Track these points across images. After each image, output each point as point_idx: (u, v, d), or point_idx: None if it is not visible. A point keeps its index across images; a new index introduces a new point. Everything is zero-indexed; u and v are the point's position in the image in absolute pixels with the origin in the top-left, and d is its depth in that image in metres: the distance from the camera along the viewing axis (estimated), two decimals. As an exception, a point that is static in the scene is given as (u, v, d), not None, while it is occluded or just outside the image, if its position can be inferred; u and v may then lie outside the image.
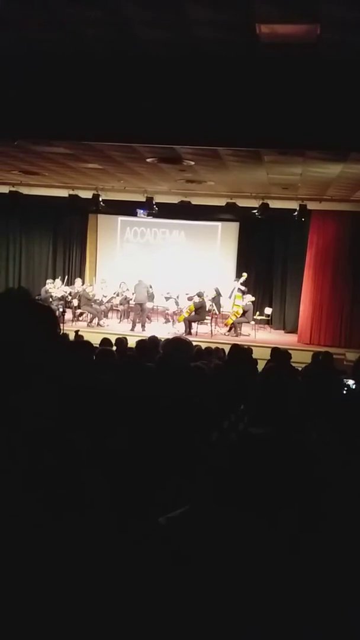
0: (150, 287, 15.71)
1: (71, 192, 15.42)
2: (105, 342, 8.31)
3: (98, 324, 15.52)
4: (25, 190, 15.72)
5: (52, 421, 1.54)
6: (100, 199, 15.27)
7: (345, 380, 6.18)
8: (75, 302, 15.92)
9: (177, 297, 15.98)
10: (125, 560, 1.71)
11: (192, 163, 10.54)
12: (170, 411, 3.00)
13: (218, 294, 15.85)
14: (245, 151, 9.24)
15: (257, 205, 14.31)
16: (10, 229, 18.70)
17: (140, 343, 8.14)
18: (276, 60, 7.02)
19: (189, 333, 14.76)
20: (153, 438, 2.78)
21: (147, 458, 2.53)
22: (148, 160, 10.56)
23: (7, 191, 15.61)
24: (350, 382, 6.05)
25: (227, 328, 15.68)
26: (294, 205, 14.37)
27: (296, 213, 14.29)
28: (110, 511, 1.66)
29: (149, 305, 15.77)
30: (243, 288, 15.83)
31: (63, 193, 15.55)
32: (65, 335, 9.87)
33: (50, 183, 15.14)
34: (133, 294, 15.66)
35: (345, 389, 6.01)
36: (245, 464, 2.63)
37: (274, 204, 14.28)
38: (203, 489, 2.51)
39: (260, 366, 7.08)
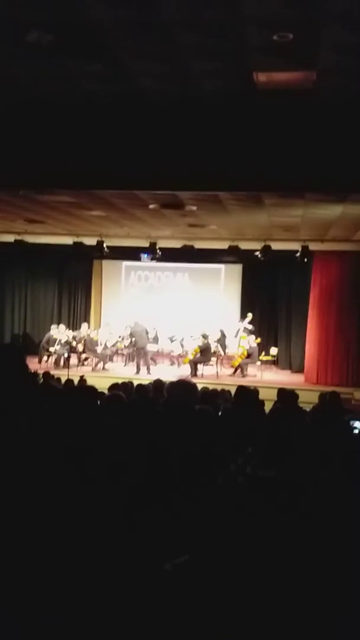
0: (147, 331, 15.54)
1: (75, 239, 15.52)
2: (115, 387, 8.29)
3: (103, 368, 15.49)
4: (30, 239, 15.88)
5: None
6: (105, 245, 15.38)
7: (352, 422, 6.08)
8: (80, 347, 15.92)
9: (182, 339, 15.97)
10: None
11: (194, 208, 10.68)
12: (176, 454, 2.97)
13: (223, 335, 15.85)
14: (246, 195, 9.37)
15: (259, 248, 14.42)
16: (15, 276, 18.82)
17: (139, 387, 8.13)
18: (274, 106, 7.19)
19: (195, 375, 14.72)
20: (159, 480, 2.75)
21: (154, 499, 2.51)
22: (150, 206, 10.71)
23: (12, 240, 15.78)
24: (358, 423, 5.98)
25: (233, 369, 15.63)
26: (296, 246, 14.45)
27: (298, 254, 14.37)
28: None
29: (152, 348, 15.71)
30: (250, 327, 15.85)
31: (67, 240, 15.65)
32: (70, 381, 9.89)
33: (55, 231, 15.29)
34: (130, 336, 15.45)
35: (356, 430, 5.92)
36: (253, 507, 2.59)
37: (276, 246, 14.38)
38: (209, 534, 2.46)
39: (268, 407, 7.03)
